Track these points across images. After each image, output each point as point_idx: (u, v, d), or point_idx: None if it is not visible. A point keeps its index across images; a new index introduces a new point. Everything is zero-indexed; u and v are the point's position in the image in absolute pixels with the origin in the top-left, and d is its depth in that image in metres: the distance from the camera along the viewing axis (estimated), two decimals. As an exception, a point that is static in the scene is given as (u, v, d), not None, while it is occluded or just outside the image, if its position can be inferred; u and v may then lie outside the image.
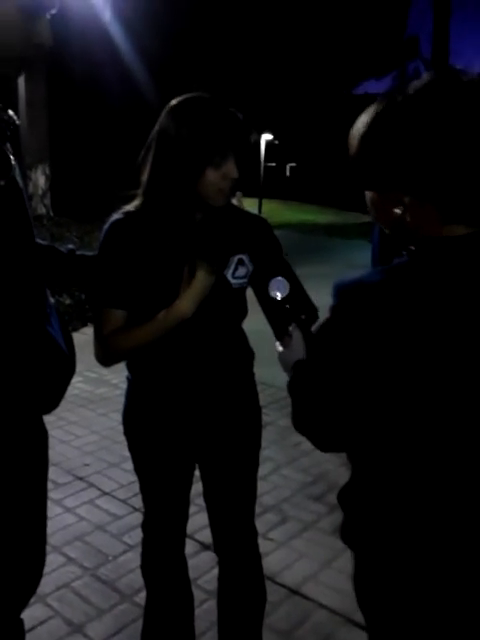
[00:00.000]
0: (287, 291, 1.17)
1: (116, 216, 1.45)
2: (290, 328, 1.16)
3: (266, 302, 1.51)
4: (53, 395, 1.13)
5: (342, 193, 26.90)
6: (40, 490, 1.23)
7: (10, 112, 1.14)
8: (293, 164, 35.55)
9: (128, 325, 1.44)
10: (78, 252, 1.55)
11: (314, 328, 1.07)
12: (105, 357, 1.47)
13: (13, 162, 1.08)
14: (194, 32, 10.62)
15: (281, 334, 1.20)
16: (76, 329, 5.59)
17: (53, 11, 1.10)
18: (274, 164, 33.35)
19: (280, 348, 1.20)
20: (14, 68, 1.11)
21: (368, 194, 0.99)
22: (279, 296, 1.17)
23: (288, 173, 35.91)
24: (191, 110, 1.36)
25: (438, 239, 0.91)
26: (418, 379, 0.87)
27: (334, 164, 29.82)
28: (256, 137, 1.45)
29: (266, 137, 24.11)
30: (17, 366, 1.04)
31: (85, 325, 5.95)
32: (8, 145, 1.10)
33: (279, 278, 1.18)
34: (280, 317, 1.21)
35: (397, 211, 0.93)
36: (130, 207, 1.45)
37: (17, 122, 1.16)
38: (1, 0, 1.01)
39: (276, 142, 28.43)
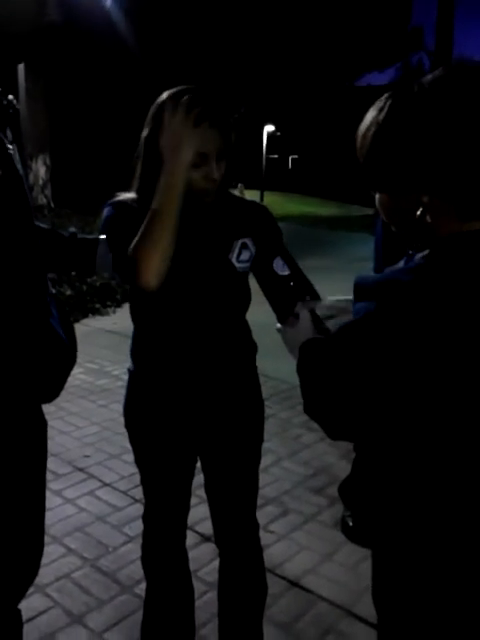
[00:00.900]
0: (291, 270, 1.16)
1: (118, 199, 1.44)
2: (296, 308, 1.14)
3: (269, 284, 1.49)
4: (53, 385, 1.12)
5: (344, 185, 26.84)
6: (39, 480, 1.22)
7: (10, 96, 1.12)
8: (295, 156, 35.44)
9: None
10: (80, 236, 1.55)
11: (341, 324, 1.04)
12: (140, 274, 1.26)
13: (11, 150, 1.06)
14: (196, 23, 10.55)
15: (284, 314, 1.17)
16: (77, 320, 5.59)
17: None
18: (276, 156, 33.26)
19: (283, 328, 1.16)
20: (25, 46, 1.09)
21: (380, 196, 0.95)
22: (285, 273, 1.16)
23: (290, 165, 35.80)
24: (173, 99, 1.33)
25: (464, 234, 0.87)
26: (453, 374, 0.86)
27: (336, 156, 29.73)
28: (235, 137, 1.40)
29: (268, 129, 24.04)
30: (17, 355, 1.03)
31: (86, 316, 5.95)
32: (8, 131, 1.08)
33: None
34: (284, 296, 1.20)
35: (417, 213, 0.89)
36: (126, 197, 1.44)
37: (17, 106, 1.14)
38: None
39: (278, 134, 28.35)
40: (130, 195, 1.44)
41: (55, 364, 1.10)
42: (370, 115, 0.93)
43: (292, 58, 14.32)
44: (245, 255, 1.47)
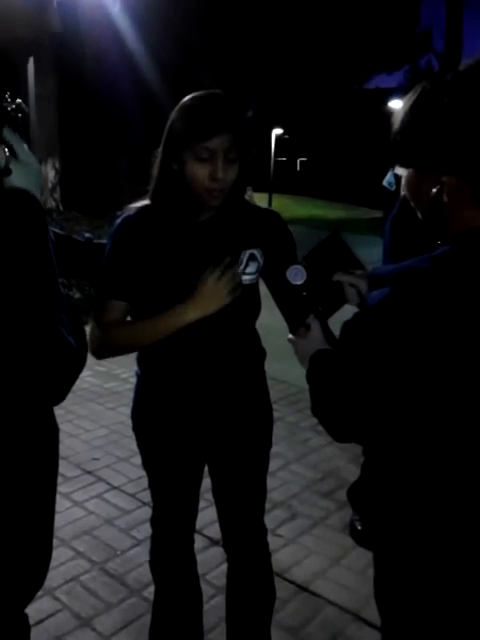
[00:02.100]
0: (304, 279, 1.16)
1: (127, 212, 1.45)
2: (308, 320, 1.15)
3: (280, 293, 1.49)
4: (59, 388, 1.12)
5: (352, 188, 26.80)
6: (50, 485, 1.23)
7: (18, 100, 1.12)
8: (303, 159, 35.43)
9: (128, 321, 1.44)
10: (95, 241, 1.55)
11: (354, 312, 1.03)
12: (99, 348, 1.42)
13: (5, 152, 1.06)
14: (204, 27, 10.58)
15: (296, 324, 1.18)
16: (85, 323, 5.61)
17: None
18: (284, 159, 33.27)
19: (294, 338, 1.18)
20: (24, 53, 1.10)
21: (406, 172, 0.99)
22: (298, 282, 1.16)
23: (298, 168, 35.80)
24: (187, 102, 1.36)
25: None
26: (467, 365, 0.85)
27: (345, 159, 29.70)
28: (257, 135, 1.42)
29: (277, 132, 24.03)
30: (25, 360, 1.03)
31: (94, 319, 5.96)
32: (16, 135, 1.08)
33: (297, 266, 1.17)
34: (296, 306, 1.20)
35: (434, 190, 0.92)
36: (141, 203, 1.45)
37: (26, 110, 1.15)
38: None
39: (286, 137, 28.35)
40: (144, 202, 1.45)
41: (61, 368, 1.10)
42: (407, 96, 0.97)
43: (300, 61, 14.32)
44: (252, 267, 1.46)
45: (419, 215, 1.00)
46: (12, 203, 0.97)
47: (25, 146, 1.05)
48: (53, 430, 1.22)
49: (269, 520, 1.67)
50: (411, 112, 0.94)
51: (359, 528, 2.44)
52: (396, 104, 19.56)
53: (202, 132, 1.30)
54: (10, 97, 1.10)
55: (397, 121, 0.97)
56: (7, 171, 1.00)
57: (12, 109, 1.10)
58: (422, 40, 21.50)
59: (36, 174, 1.05)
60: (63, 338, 1.07)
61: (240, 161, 1.37)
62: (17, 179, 0.99)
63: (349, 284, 1.17)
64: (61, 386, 1.11)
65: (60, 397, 1.12)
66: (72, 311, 1.18)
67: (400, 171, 2.95)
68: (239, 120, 1.36)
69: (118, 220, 1.45)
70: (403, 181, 1.02)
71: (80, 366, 1.14)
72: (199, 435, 1.53)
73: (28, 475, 1.14)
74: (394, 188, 3.01)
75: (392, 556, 1.00)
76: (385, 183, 3.12)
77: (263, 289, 1.53)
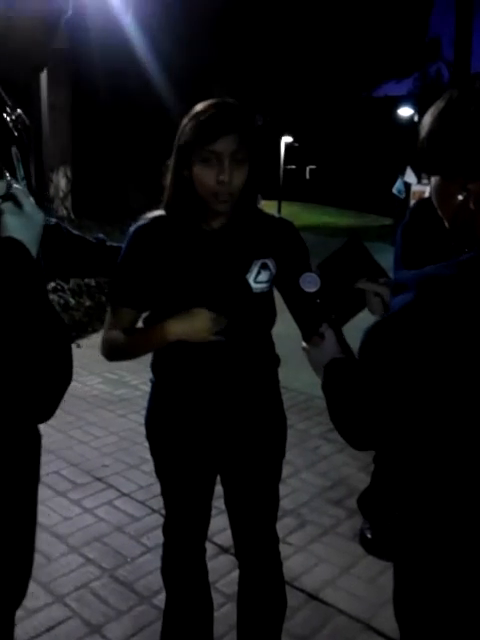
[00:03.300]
0: (318, 286, 1.15)
1: (141, 221, 1.47)
2: (321, 328, 1.15)
3: (294, 302, 1.50)
4: (46, 406, 1.11)
5: (362, 196, 26.77)
6: (31, 495, 1.23)
7: (18, 111, 1.13)
8: (313, 166, 35.47)
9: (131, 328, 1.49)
10: (108, 243, 1.57)
11: (375, 321, 1.02)
12: (106, 351, 1.50)
13: (16, 165, 1.08)
14: (215, 36, 10.65)
15: (310, 332, 1.18)
16: (96, 330, 5.64)
17: (67, 15, 1.10)
18: (294, 166, 33.32)
19: (308, 347, 1.17)
20: (33, 73, 1.11)
21: (434, 179, 0.99)
22: (311, 290, 1.15)
23: (308, 175, 35.84)
24: (195, 108, 1.37)
25: None
26: None
27: (354, 166, 29.69)
28: (267, 142, 1.43)
29: (286, 140, 24.09)
30: (9, 376, 1.02)
31: (105, 327, 5.98)
32: (14, 148, 1.09)
33: (311, 273, 1.16)
34: (309, 314, 1.20)
35: (460, 197, 0.92)
36: (156, 212, 1.47)
37: (26, 122, 1.15)
38: (20, 9, 1.01)
39: (296, 144, 28.41)
40: (159, 213, 1.46)
41: (48, 386, 1.08)
42: (436, 103, 0.98)
43: (309, 69, 14.37)
44: (264, 276, 1.46)
45: (445, 222, 1.00)
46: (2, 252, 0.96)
47: (31, 199, 1.06)
48: (35, 439, 1.22)
49: (279, 528, 1.67)
50: (438, 120, 0.95)
51: (369, 537, 2.43)
52: (405, 112, 19.55)
53: (208, 135, 1.32)
54: (10, 108, 1.11)
55: (424, 129, 0.97)
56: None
57: (12, 120, 1.11)
58: (431, 48, 21.50)
59: (37, 228, 1.05)
60: (49, 353, 1.06)
61: (249, 166, 1.38)
62: (18, 231, 0.99)
63: (374, 293, 1.16)
64: (48, 402, 1.09)
65: (48, 414, 1.11)
66: (62, 324, 1.18)
67: (409, 179, 2.96)
68: (245, 122, 1.37)
69: (132, 229, 1.47)
70: (430, 188, 1.02)
71: (65, 383, 1.13)
72: (212, 443, 1.53)
73: (7, 486, 1.13)
74: (404, 195, 3.01)
75: (412, 567, 0.99)
76: (395, 190, 3.13)
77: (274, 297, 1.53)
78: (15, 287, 0.95)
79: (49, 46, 1.08)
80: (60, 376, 1.09)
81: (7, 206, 0.99)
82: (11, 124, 1.10)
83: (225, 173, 1.32)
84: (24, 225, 1.00)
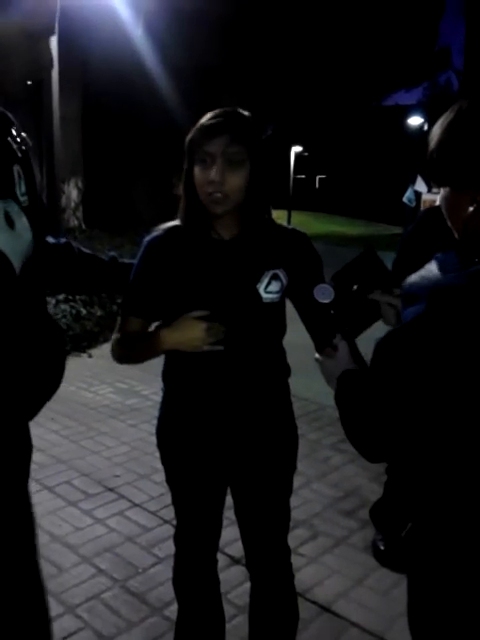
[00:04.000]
0: (331, 297, 1.15)
1: (155, 231, 1.48)
2: (335, 339, 1.15)
3: (308, 312, 1.49)
4: (34, 404, 1.18)
5: (372, 205, 26.77)
6: (22, 497, 1.26)
7: (23, 134, 1.19)
8: (323, 176, 35.53)
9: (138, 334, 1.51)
10: (120, 260, 1.59)
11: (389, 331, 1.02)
12: (116, 355, 1.52)
13: (17, 182, 1.14)
14: (224, 47, 10.73)
15: (323, 343, 1.17)
16: (107, 340, 5.66)
17: (53, 35, 1.14)
18: (303, 176, 33.40)
19: (322, 358, 1.17)
20: (20, 89, 1.15)
21: (443, 190, 1.00)
22: (325, 301, 1.15)
23: (317, 185, 35.89)
24: (204, 117, 1.40)
25: None
26: None
27: (363, 175, 29.69)
28: (268, 147, 1.44)
29: (296, 149, 24.19)
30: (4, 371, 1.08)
31: (116, 336, 6.00)
32: (17, 167, 1.14)
33: (325, 285, 1.16)
34: (323, 325, 1.20)
35: (470, 208, 0.92)
36: (171, 223, 1.48)
37: (29, 144, 1.21)
38: (6, 26, 1.05)
39: (306, 154, 28.50)
40: (173, 223, 1.48)
41: (37, 384, 1.15)
42: (445, 115, 0.98)
43: (319, 78, 14.43)
44: (274, 286, 1.45)
45: (455, 233, 1.00)
46: None
47: (24, 219, 1.14)
48: (26, 442, 1.27)
49: (290, 539, 1.66)
50: (447, 131, 0.95)
51: (382, 548, 2.41)
52: (415, 121, 19.54)
53: (201, 136, 1.34)
54: (16, 131, 1.17)
55: (433, 140, 0.98)
56: None
57: (17, 143, 1.16)
58: (441, 57, 21.52)
59: (24, 245, 1.13)
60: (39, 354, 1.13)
61: (255, 173, 1.37)
62: (3, 243, 1.07)
63: (388, 304, 1.16)
64: (36, 400, 1.16)
65: (33, 412, 1.17)
66: (58, 331, 1.25)
67: (420, 188, 2.95)
68: (241, 124, 1.36)
69: (145, 240, 1.48)
70: (440, 199, 1.02)
71: (57, 380, 1.20)
72: (223, 453, 1.53)
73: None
74: (414, 204, 3.01)
75: (426, 579, 0.98)
76: (405, 199, 3.12)
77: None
78: None
79: (37, 63, 1.12)
80: (45, 379, 1.16)
81: None
82: (15, 145, 1.17)
83: (215, 172, 1.32)
84: (12, 239, 1.09)
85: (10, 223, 1.10)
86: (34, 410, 1.21)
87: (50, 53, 1.13)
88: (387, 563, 2.37)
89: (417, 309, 0.89)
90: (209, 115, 1.39)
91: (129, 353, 1.51)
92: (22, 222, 1.13)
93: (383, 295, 1.16)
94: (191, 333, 1.39)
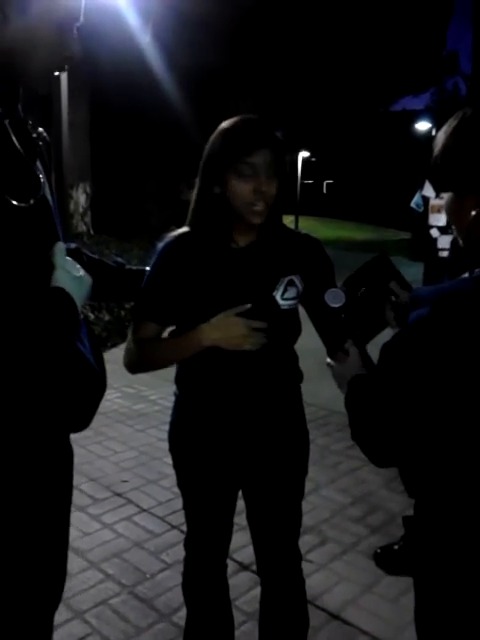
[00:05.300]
0: (342, 302, 1.15)
1: (168, 238, 1.48)
2: (346, 344, 1.15)
3: (319, 317, 1.49)
4: (84, 413, 1.13)
5: (379, 210, 26.75)
6: (64, 509, 1.24)
7: (40, 129, 1.16)
8: (330, 181, 35.55)
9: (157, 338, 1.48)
10: (127, 267, 1.58)
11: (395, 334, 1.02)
12: (130, 363, 1.50)
13: (42, 180, 1.09)
14: (232, 52, 10.77)
15: (334, 348, 1.18)
16: (115, 345, 5.67)
17: (79, 23, 1.12)
18: (311, 181, 33.44)
19: (333, 363, 1.17)
20: (45, 79, 1.14)
21: (447, 196, 1.00)
22: (336, 305, 1.15)
23: (325, 190, 35.91)
24: (225, 125, 1.40)
25: None
26: None
27: (371, 180, 29.68)
28: (290, 157, 1.45)
29: (303, 155, 24.21)
30: (47, 384, 1.03)
31: (124, 341, 6.01)
32: (38, 163, 1.12)
33: (335, 289, 1.17)
34: (334, 330, 1.20)
35: (473, 213, 0.93)
36: (182, 229, 1.48)
37: (47, 139, 1.18)
38: (34, 15, 1.03)
39: (313, 159, 28.53)
40: (184, 229, 1.48)
41: (86, 392, 1.10)
42: (449, 121, 0.99)
43: (327, 84, 14.45)
44: (291, 292, 1.46)
45: (459, 239, 1.00)
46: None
47: (78, 266, 1.12)
48: (68, 453, 1.23)
49: (299, 545, 1.65)
50: (452, 137, 0.96)
51: (378, 551, 2.42)
52: (423, 126, 19.53)
53: (244, 148, 1.33)
54: (31, 126, 1.14)
55: (438, 146, 0.98)
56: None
57: (34, 138, 1.14)
58: (449, 62, 21.54)
59: (85, 289, 1.11)
60: (84, 359, 1.08)
61: (280, 180, 1.39)
62: (68, 286, 1.05)
63: (390, 307, 1.18)
64: (85, 409, 1.12)
65: (85, 422, 1.13)
66: (92, 334, 1.20)
67: (428, 193, 2.94)
68: (277, 138, 1.39)
69: (160, 245, 1.48)
70: (444, 204, 1.03)
71: (102, 389, 1.15)
72: (235, 458, 1.52)
73: (42, 499, 1.15)
74: (422, 209, 2.99)
75: (433, 584, 0.97)
76: (413, 204, 3.10)
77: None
78: (56, 331, 1.01)
79: (62, 53, 1.10)
80: (95, 380, 1.12)
81: (62, 263, 1.06)
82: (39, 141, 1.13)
83: (263, 184, 1.34)
84: (75, 282, 1.07)
85: (74, 266, 1.09)
86: (81, 422, 1.16)
87: (76, 42, 1.12)
88: (393, 571, 2.35)
89: (420, 312, 0.89)
90: (234, 122, 1.38)
91: (149, 356, 1.48)
92: (79, 267, 1.12)
93: (401, 290, 1.18)
94: (234, 330, 1.38)
